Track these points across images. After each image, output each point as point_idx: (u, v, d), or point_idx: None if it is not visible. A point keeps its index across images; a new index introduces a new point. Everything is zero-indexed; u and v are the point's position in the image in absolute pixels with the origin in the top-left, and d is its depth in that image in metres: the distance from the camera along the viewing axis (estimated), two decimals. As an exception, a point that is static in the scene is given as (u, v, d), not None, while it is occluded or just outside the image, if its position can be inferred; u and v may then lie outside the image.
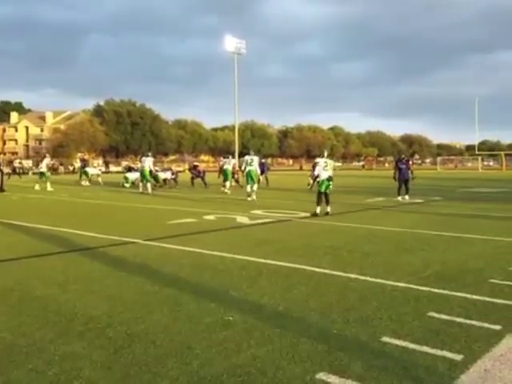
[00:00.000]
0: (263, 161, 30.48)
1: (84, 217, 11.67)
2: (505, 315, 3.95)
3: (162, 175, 24.52)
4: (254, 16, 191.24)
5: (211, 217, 10.75)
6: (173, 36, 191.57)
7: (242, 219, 10.41)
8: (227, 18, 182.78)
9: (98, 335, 3.60)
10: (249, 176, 15.68)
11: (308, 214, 11.27)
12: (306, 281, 5.20)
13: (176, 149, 79.74)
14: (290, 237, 8.36)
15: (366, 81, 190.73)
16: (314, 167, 20.94)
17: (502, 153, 74.19)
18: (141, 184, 20.12)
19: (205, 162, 77.47)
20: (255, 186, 15.74)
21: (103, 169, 48.51)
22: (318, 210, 11.18)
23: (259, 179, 17.20)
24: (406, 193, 16.31)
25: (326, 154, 11.84)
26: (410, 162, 17.22)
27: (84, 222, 10.42)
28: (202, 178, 24.10)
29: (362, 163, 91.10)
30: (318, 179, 11.62)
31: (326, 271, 5.57)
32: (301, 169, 62.81)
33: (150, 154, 21.66)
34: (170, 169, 27.57)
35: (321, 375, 2.91)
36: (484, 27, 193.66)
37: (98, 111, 74.77)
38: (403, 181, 16.32)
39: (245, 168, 16.07)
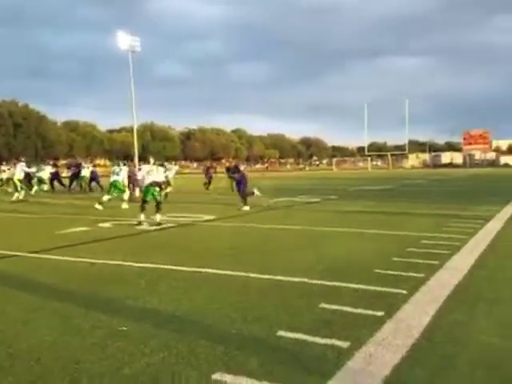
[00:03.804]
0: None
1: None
2: (387, 302, 4.28)
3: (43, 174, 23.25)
4: (146, 12, 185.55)
5: (107, 224, 10.27)
6: (58, 30, 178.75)
7: (142, 225, 10.10)
8: (116, 12, 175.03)
9: (-27, 359, 3.26)
10: (113, 186, 14.83)
11: (212, 217, 11.28)
12: (207, 283, 5.19)
13: (67, 152, 74.80)
14: (191, 241, 8.29)
15: (266, 83, 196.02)
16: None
17: (389, 153, 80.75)
18: (16, 193, 18.80)
19: (101, 166, 73.79)
20: (109, 195, 14.72)
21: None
22: (142, 217, 10.37)
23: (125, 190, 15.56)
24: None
25: (152, 161, 11.00)
26: (242, 168, 17.41)
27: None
28: (98, 183, 23.25)
29: (266, 165, 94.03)
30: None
31: (227, 272, 5.60)
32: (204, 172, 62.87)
33: (23, 159, 20.57)
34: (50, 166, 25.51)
35: (216, 376, 2.91)
36: (369, 34, 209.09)
37: (-26, 112, 67.88)
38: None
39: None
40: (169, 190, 20.80)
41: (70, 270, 6.06)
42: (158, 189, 10.54)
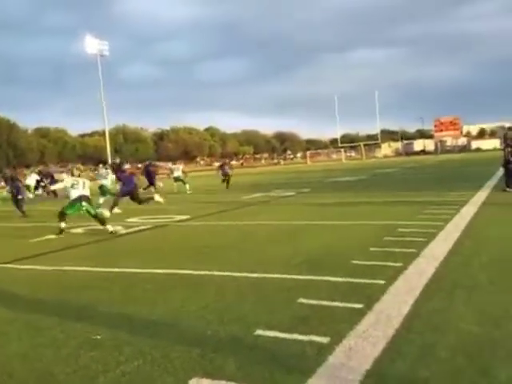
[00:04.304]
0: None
1: None
2: (366, 293, 4.24)
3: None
4: (114, 15, 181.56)
5: (79, 230, 9.99)
6: (23, 35, 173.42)
7: (115, 229, 9.85)
8: (83, 16, 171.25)
9: None
10: (102, 190, 14.37)
11: (186, 217, 11.13)
12: (181, 285, 5.07)
13: (39, 159, 73.29)
14: (165, 242, 8.14)
15: (237, 80, 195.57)
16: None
17: (361, 144, 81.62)
18: None
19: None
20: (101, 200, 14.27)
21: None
22: (63, 225, 9.42)
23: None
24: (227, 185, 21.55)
25: (76, 173, 9.93)
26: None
27: None
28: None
29: (241, 161, 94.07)
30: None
31: (202, 272, 5.49)
32: (172, 172, 61.89)
33: None
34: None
35: (193, 381, 2.81)
36: (338, 27, 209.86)
37: None
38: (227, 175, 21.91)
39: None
40: (188, 190, 20.63)
41: (42, 278, 5.86)
42: (85, 203, 9.47)
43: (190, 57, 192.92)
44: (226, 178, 22.52)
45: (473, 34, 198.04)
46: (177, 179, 21.77)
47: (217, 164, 30.20)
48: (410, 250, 5.79)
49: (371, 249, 6.06)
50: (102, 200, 14.11)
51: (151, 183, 20.96)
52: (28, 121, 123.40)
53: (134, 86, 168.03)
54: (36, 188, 24.04)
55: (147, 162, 25.18)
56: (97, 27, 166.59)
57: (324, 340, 3.26)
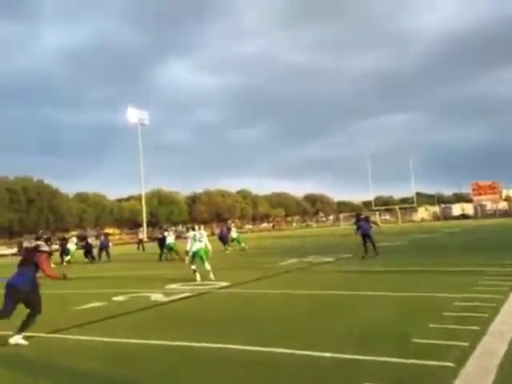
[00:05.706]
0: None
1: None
2: (437, 377, 3.91)
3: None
4: (152, 85, 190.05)
5: (121, 297, 9.90)
6: (69, 108, 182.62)
7: (157, 297, 9.73)
8: (124, 88, 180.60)
9: None
10: (198, 255, 12.57)
11: (227, 284, 10.94)
12: (232, 363, 4.83)
13: (78, 223, 75.59)
14: (208, 312, 7.94)
15: (268, 145, 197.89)
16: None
17: (397, 207, 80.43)
18: None
19: (110, 234, 73.87)
20: (207, 266, 12.34)
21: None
22: None
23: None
24: (374, 249, 15.81)
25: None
26: (372, 218, 18.81)
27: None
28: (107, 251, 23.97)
29: (271, 224, 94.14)
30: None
31: (252, 348, 5.26)
32: (212, 234, 61.69)
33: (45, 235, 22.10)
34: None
35: None
36: (370, 93, 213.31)
37: (-13, 191, 68.88)
38: (366, 236, 15.97)
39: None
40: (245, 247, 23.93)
41: (87, 350, 5.72)
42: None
43: (222, 122, 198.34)
44: (369, 240, 16.05)
45: (502, 96, 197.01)
46: (234, 239, 24.88)
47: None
48: (474, 327, 5.40)
49: (431, 325, 5.67)
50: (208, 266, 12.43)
51: (225, 242, 24.63)
52: (69, 187, 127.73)
53: (168, 151, 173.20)
54: (86, 254, 24.74)
55: (224, 225, 27.96)
56: (137, 98, 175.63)
57: None
